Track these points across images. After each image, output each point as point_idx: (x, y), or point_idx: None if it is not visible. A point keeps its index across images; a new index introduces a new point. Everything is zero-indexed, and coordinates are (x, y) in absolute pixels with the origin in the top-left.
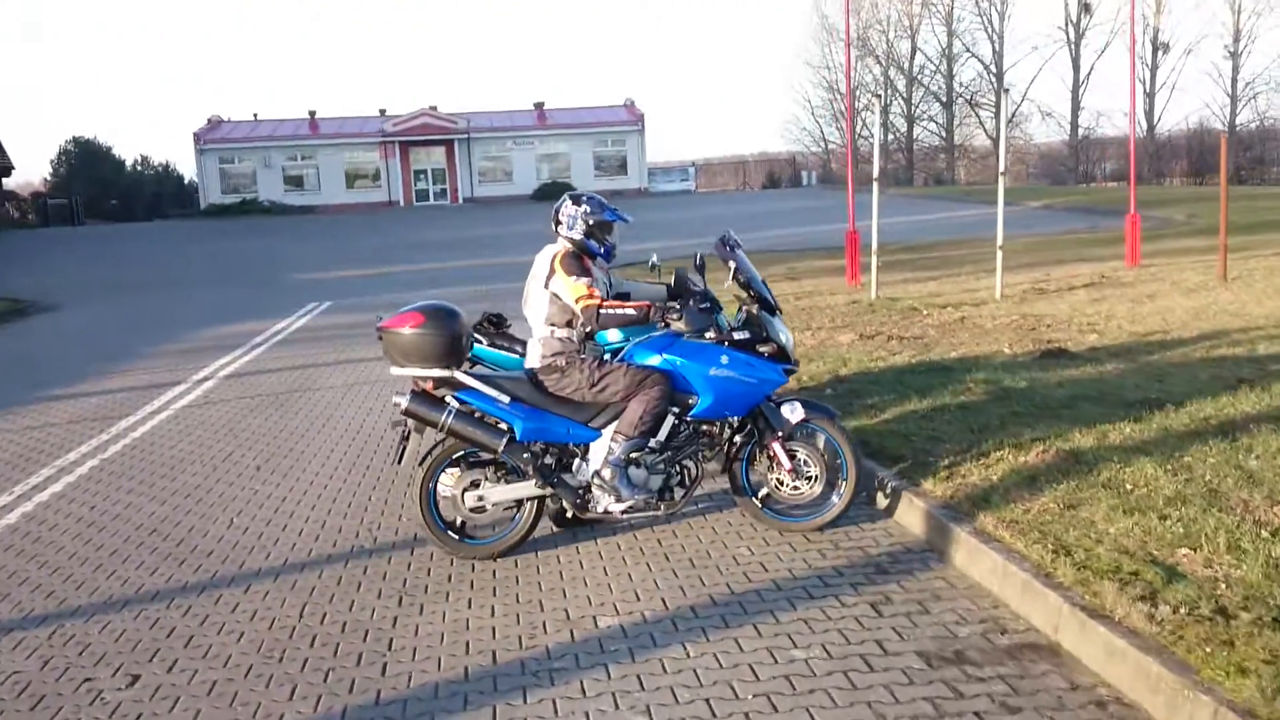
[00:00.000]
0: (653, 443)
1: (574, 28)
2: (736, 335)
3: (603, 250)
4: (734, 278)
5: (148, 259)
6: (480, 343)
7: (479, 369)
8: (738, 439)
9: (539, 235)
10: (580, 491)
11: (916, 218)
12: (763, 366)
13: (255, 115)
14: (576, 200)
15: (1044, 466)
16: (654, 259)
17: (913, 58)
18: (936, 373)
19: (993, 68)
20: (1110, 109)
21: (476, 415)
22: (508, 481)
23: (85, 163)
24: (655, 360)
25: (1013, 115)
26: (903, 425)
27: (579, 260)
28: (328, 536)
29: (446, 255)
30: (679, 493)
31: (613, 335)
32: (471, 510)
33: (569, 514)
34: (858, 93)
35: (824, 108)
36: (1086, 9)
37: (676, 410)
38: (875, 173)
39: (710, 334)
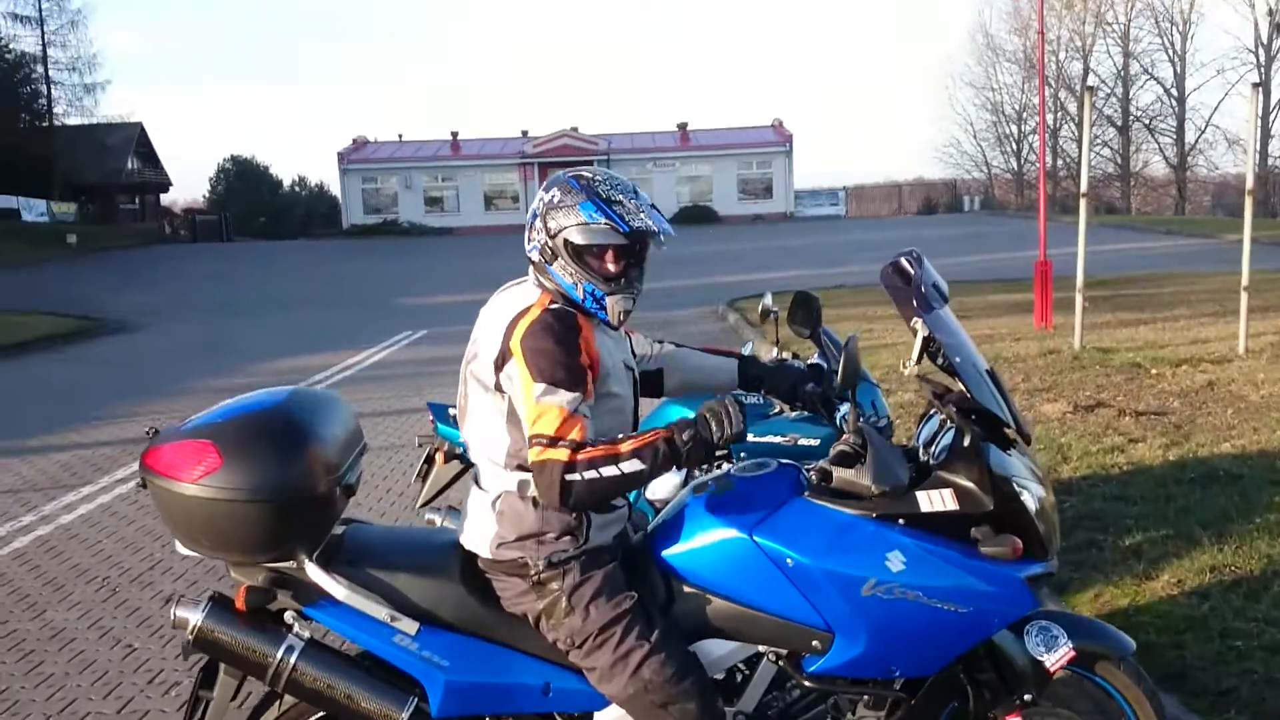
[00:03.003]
0: (732, 714)
1: (722, 47)
2: (924, 500)
3: (590, 298)
4: (922, 353)
5: (267, 278)
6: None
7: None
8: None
9: (685, 259)
10: None
11: (1097, 248)
12: (985, 575)
13: (400, 136)
14: (549, 185)
15: None
16: (767, 299)
17: (1084, 78)
18: (1218, 483)
19: (1174, 91)
20: None
21: (350, 655)
22: None
23: (241, 181)
24: (727, 536)
25: (1195, 142)
26: (1206, 607)
27: (568, 336)
28: None
29: None
30: None
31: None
32: None
33: None
34: (1024, 115)
35: (987, 130)
36: (1279, 30)
37: (782, 654)
38: (1083, 187)
39: (874, 487)
